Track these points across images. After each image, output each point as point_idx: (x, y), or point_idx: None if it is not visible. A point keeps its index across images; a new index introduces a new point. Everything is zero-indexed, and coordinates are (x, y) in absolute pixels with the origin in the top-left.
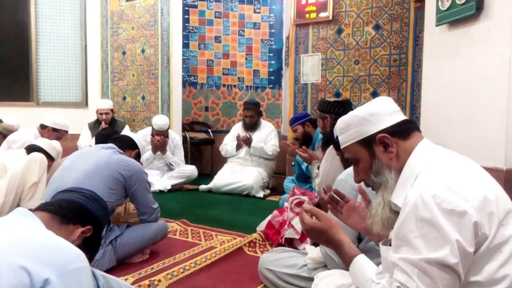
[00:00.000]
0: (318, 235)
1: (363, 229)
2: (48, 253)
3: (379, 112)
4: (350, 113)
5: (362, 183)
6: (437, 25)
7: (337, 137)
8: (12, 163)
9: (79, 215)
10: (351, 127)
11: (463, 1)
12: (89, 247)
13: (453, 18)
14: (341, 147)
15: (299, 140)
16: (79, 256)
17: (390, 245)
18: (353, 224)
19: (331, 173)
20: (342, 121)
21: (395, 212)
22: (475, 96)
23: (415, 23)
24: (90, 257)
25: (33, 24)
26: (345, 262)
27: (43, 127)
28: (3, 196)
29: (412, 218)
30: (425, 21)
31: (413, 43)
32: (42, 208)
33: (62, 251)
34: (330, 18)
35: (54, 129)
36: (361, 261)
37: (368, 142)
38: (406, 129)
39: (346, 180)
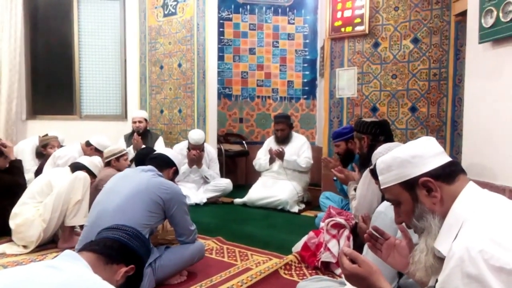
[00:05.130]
0: (358, 281)
1: (403, 268)
2: None
3: (422, 154)
4: (391, 154)
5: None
6: (480, 43)
7: (375, 165)
8: (57, 181)
9: (123, 254)
10: (392, 168)
11: (508, 19)
12: (131, 284)
13: (498, 36)
14: (381, 188)
15: (340, 155)
16: None
17: None
18: (393, 263)
19: (369, 196)
20: (382, 162)
21: (439, 259)
22: None
23: (456, 36)
24: None
25: (76, 40)
26: None
27: (88, 144)
28: (50, 213)
29: (458, 273)
30: (467, 38)
31: (454, 57)
32: (88, 248)
33: None
34: (366, 31)
35: (97, 149)
36: None
37: (410, 185)
38: (451, 172)
39: (385, 212)
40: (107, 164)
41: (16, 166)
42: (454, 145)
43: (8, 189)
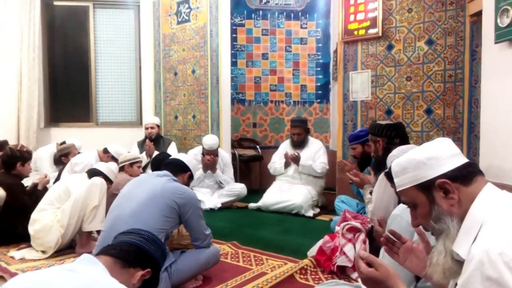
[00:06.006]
0: (375, 285)
1: (421, 271)
2: None
3: (438, 156)
4: (406, 156)
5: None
6: (496, 43)
7: (390, 167)
8: (75, 187)
9: (139, 258)
10: (407, 170)
11: None
12: None
13: None
14: (397, 190)
15: (357, 158)
16: None
17: None
18: (411, 266)
19: (385, 200)
20: (398, 164)
21: (457, 261)
22: None
23: (471, 37)
24: None
25: (92, 49)
26: None
27: (105, 151)
28: (67, 219)
29: (478, 276)
30: (482, 38)
31: (469, 58)
32: (105, 252)
33: None
34: (380, 34)
35: (114, 157)
36: None
37: (427, 187)
38: (468, 174)
39: (401, 215)
40: (121, 169)
41: (38, 196)
42: (471, 147)
43: (22, 210)
